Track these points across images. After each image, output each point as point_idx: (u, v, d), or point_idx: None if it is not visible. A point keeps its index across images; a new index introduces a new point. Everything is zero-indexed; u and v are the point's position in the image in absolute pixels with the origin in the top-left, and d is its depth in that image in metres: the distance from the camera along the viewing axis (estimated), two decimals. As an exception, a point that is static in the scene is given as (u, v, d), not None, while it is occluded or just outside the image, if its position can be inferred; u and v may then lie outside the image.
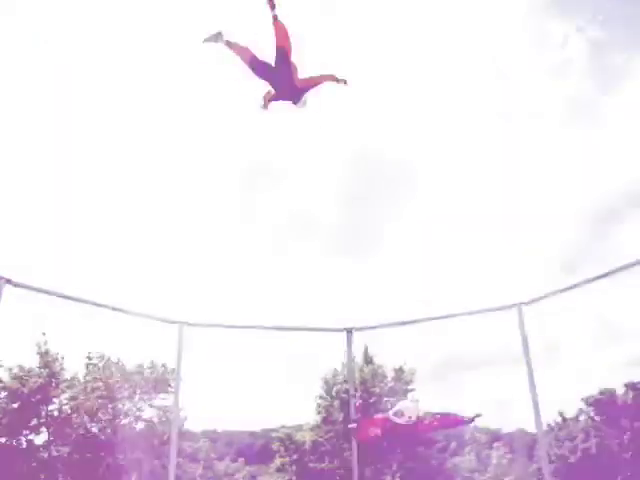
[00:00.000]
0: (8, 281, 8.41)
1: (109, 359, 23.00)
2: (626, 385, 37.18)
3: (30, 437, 21.01)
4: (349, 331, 10.97)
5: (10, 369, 21.09)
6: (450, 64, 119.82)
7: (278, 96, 6.25)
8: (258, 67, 5.94)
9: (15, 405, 20.64)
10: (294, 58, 5.99)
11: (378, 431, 6.65)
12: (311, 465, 23.23)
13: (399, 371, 24.30)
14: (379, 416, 6.39)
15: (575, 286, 9.22)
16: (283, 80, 6.08)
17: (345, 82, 6.24)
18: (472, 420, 6.53)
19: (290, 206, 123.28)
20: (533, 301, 9.72)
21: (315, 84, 6.14)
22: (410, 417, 6.18)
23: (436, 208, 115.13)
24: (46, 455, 21.11)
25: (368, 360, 24.71)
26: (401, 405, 6.20)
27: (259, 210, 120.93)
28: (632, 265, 8.35)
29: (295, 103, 6.21)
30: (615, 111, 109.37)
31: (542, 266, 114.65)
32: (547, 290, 9.65)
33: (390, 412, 6.27)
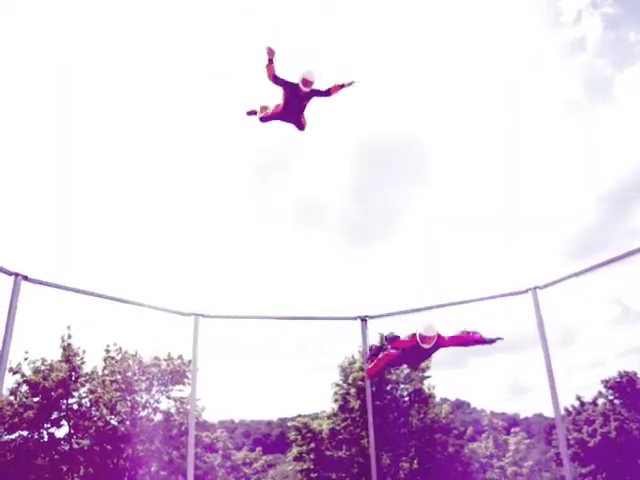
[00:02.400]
0: (25, 278, 8.50)
1: (126, 352, 23.23)
2: (646, 368, 36.88)
3: (51, 430, 21.30)
4: (363, 319, 10.95)
5: (33, 362, 21.36)
6: (462, 47, 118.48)
7: (283, 119, 7.12)
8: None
9: (36, 399, 20.92)
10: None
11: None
12: (328, 453, 23.29)
13: (415, 357, 24.25)
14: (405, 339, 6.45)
15: (591, 269, 9.09)
16: (295, 115, 7.06)
17: (352, 83, 6.78)
18: (493, 341, 6.61)
19: (302, 196, 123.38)
20: (548, 285, 9.62)
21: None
22: (432, 338, 6.39)
23: (449, 194, 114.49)
24: (67, 448, 21.40)
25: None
26: (424, 329, 6.28)
27: (271, 200, 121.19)
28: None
29: (299, 129, 7.18)
30: (629, 88, 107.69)
31: (558, 250, 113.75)
32: (562, 274, 9.56)
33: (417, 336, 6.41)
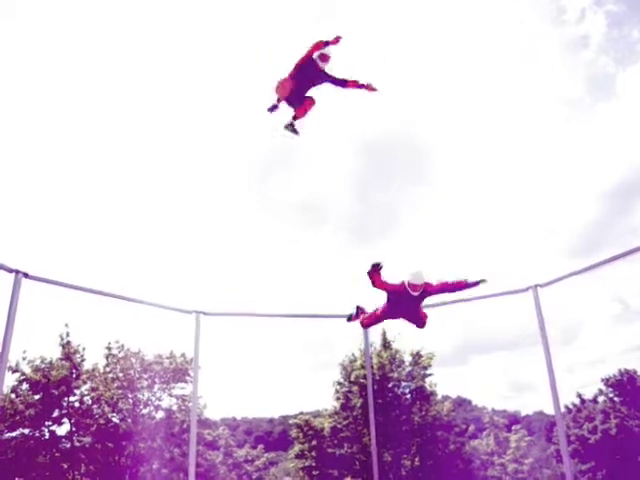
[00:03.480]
0: (25, 275, 8.50)
1: (128, 350, 23.25)
2: (646, 366, 36.97)
3: (52, 428, 21.32)
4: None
5: (32, 361, 21.37)
6: (464, 44, 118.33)
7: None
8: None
9: (37, 397, 20.94)
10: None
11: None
12: (330, 451, 23.31)
13: (417, 356, 24.24)
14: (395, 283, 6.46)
15: (592, 267, 9.10)
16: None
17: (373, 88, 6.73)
18: (477, 283, 6.61)
19: (304, 194, 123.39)
20: (549, 283, 9.63)
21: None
22: (421, 285, 6.37)
23: (451, 192, 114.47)
24: (68, 445, 21.42)
25: (386, 345, 24.67)
26: (411, 277, 6.30)
27: (273, 198, 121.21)
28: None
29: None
30: (631, 86, 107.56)
31: (559, 248, 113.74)
32: (564, 272, 9.55)
33: (407, 281, 6.37)
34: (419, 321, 6.95)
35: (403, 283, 6.45)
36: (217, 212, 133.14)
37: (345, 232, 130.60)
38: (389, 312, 6.84)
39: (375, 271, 6.46)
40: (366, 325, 7.17)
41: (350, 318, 7.32)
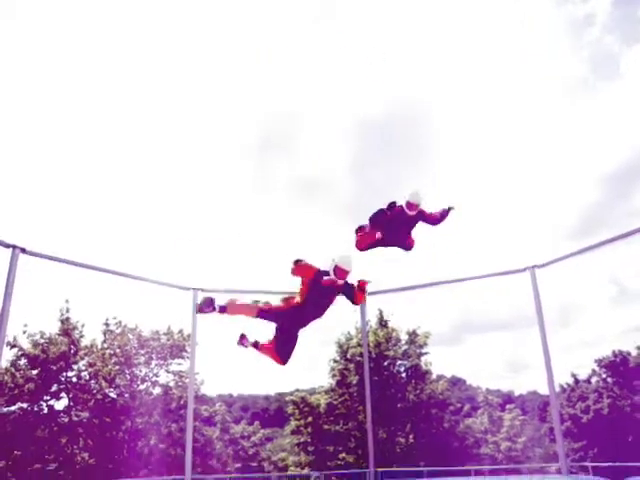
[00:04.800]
0: (22, 250, 8.48)
1: (126, 326, 23.34)
2: (639, 347, 37.32)
3: (51, 402, 21.48)
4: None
5: (31, 336, 21.46)
6: (467, 21, 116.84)
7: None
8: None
9: (35, 372, 21.06)
10: None
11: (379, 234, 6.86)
12: (326, 427, 23.57)
13: (413, 334, 24.38)
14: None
15: (588, 249, 9.12)
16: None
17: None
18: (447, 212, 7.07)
19: (301, 171, 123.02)
20: (547, 264, 9.66)
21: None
22: (418, 205, 6.63)
23: (449, 171, 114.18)
24: (67, 420, 21.61)
25: (383, 324, 24.80)
26: (410, 197, 6.52)
27: (270, 175, 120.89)
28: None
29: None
30: (635, 65, 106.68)
31: (558, 230, 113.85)
32: (561, 253, 9.57)
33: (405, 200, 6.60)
34: (408, 245, 7.17)
35: (401, 205, 6.69)
36: (214, 189, 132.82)
37: (341, 210, 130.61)
38: (385, 235, 6.92)
39: (390, 209, 6.79)
40: (361, 248, 7.16)
41: (356, 236, 7.36)
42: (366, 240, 7.08)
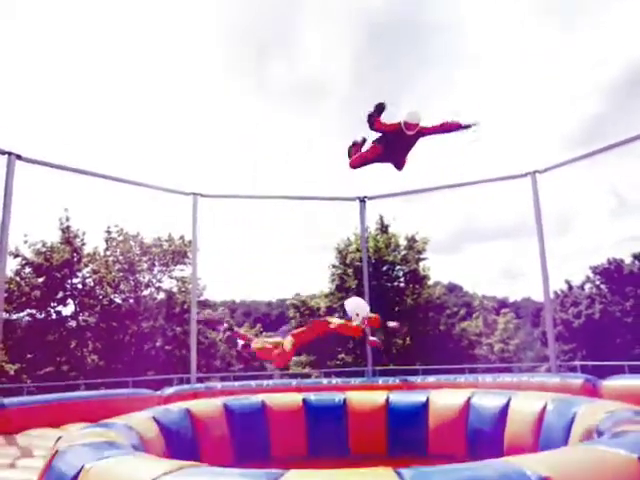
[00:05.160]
0: (18, 157, 8.33)
1: (127, 233, 23.51)
2: (634, 255, 37.86)
3: (58, 309, 22.09)
4: (362, 200, 11.02)
5: (33, 245, 21.67)
6: None
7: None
8: None
9: (41, 280, 21.46)
10: None
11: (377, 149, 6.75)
12: (325, 329, 24.35)
13: (411, 240, 24.58)
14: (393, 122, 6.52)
15: (589, 155, 9.00)
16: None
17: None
18: (469, 126, 6.73)
19: (302, 75, 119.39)
20: (548, 169, 9.56)
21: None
22: (416, 125, 6.35)
23: (452, 75, 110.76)
24: (75, 325, 22.31)
25: (383, 229, 24.95)
26: (408, 116, 6.33)
27: (271, 79, 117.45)
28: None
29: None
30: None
31: (560, 140, 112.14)
32: (562, 159, 9.43)
33: (401, 120, 6.32)
34: (402, 164, 6.97)
35: (399, 123, 6.39)
36: (215, 93, 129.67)
37: (344, 116, 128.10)
38: (379, 153, 6.77)
39: (378, 111, 6.43)
40: (355, 165, 7.02)
41: (350, 153, 7.15)
42: (363, 156, 6.87)
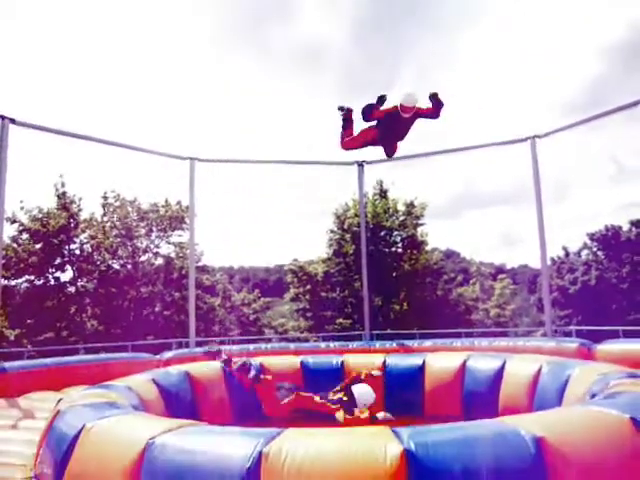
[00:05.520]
0: (12, 121, 8.22)
1: (124, 199, 23.37)
2: (631, 222, 37.90)
3: (57, 275, 22.08)
4: (360, 165, 10.97)
5: (29, 211, 21.56)
6: None
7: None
8: None
9: (38, 246, 21.42)
10: None
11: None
12: (323, 294, 24.53)
13: (410, 205, 24.51)
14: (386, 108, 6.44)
15: (588, 120, 8.94)
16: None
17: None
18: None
19: (300, 39, 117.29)
20: (548, 134, 9.50)
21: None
22: (412, 108, 6.32)
23: (454, 39, 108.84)
24: (73, 290, 22.35)
25: (382, 194, 24.85)
26: (403, 99, 6.27)
27: (268, 43, 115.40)
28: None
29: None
30: None
31: (560, 107, 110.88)
32: (562, 124, 9.38)
33: (399, 103, 6.28)
34: (394, 150, 6.89)
35: (395, 106, 6.30)
36: (213, 58, 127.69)
37: (343, 81, 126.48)
38: (374, 136, 6.69)
39: (380, 103, 6.38)
40: (347, 147, 6.93)
41: (342, 109, 6.95)
42: (357, 139, 6.78)
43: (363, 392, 5.41)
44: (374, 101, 6.36)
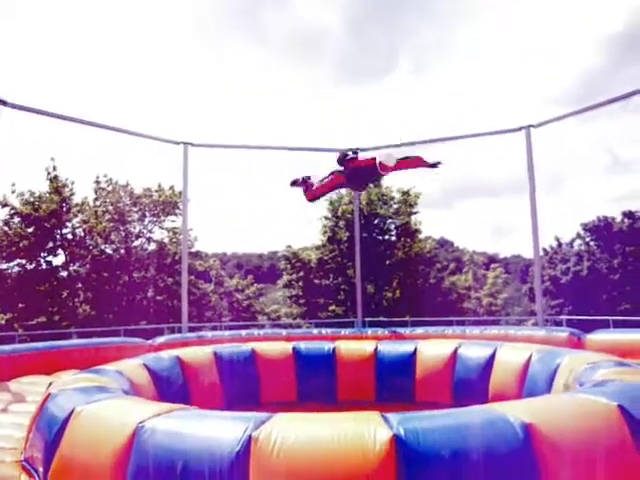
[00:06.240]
0: (3, 103, 8.10)
1: (117, 183, 23.26)
2: (624, 213, 38.09)
3: (49, 259, 22.02)
4: (354, 152, 10.91)
5: (21, 194, 21.44)
6: None
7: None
8: None
9: (30, 230, 21.32)
10: None
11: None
12: (316, 281, 24.61)
13: (405, 194, 24.53)
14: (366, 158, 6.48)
15: (583, 110, 8.93)
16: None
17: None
18: (434, 165, 6.78)
19: (295, 26, 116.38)
20: (543, 124, 9.49)
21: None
22: (390, 167, 6.29)
23: (451, 28, 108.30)
24: (66, 275, 22.31)
25: (376, 183, 24.85)
26: (382, 157, 6.31)
27: (263, 30, 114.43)
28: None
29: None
30: None
31: (556, 99, 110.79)
32: (557, 114, 9.37)
33: (377, 160, 6.25)
34: (363, 189, 7.13)
35: (374, 161, 6.29)
36: (207, 43, 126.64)
37: (339, 70, 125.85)
38: (341, 182, 6.79)
39: (355, 154, 6.53)
40: (313, 198, 6.99)
41: (295, 183, 7.09)
42: (323, 188, 6.85)
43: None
44: (350, 152, 6.55)
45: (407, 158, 6.57)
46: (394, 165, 6.26)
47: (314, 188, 6.86)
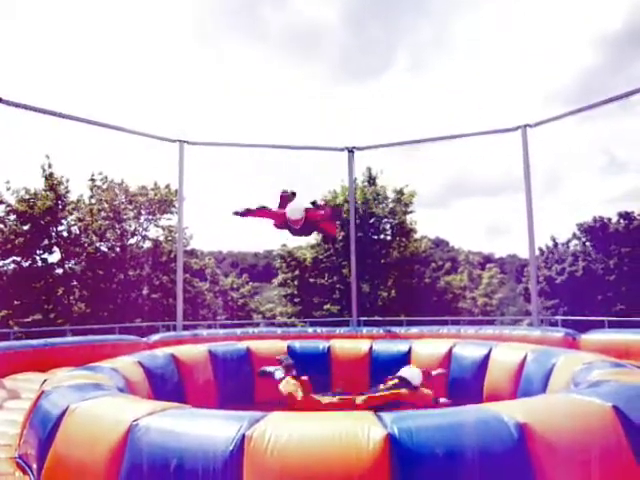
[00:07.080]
0: (-2, 99, 8.06)
1: (112, 181, 23.20)
2: (620, 214, 38.16)
3: (44, 256, 21.95)
4: (351, 151, 10.92)
5: (16, 192, 21.36)
6: None
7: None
8: None
9: (25, 227, 21.25)
10: None
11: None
12: (311, 280, 24.60)
13: (399, 193, 24.53)
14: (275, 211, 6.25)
15: (580, 110, 8.95)
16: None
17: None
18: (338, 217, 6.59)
19: (293, 22, 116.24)
20: (539, 123, 9.50)
21: None
22: (300, 219, 6.08)
23: (452, 27, 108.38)
24: (61, 272, 22.24)
25: (371, 182, 24.85)
26: (288, 212, 6.09)
27: (261, 25, 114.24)
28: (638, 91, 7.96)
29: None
30: None
31: (554, 99, 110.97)
32: (555, 112, 9.37)
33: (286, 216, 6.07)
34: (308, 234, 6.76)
35: (285, 216, 6.10)
36: (204, 40, 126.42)
37: (336, 67, 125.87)
38: (281, 222, 6.35)
39: (293, 196, 6.22)
40: (244, 215, 6.40)
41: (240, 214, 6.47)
42: (265, 213, 6.36)
43: (415, 373, 5.51)
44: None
45: (317, 207, 6.25)
46: (302, 216, 6.01)
47: (259, 211, 6.39)
